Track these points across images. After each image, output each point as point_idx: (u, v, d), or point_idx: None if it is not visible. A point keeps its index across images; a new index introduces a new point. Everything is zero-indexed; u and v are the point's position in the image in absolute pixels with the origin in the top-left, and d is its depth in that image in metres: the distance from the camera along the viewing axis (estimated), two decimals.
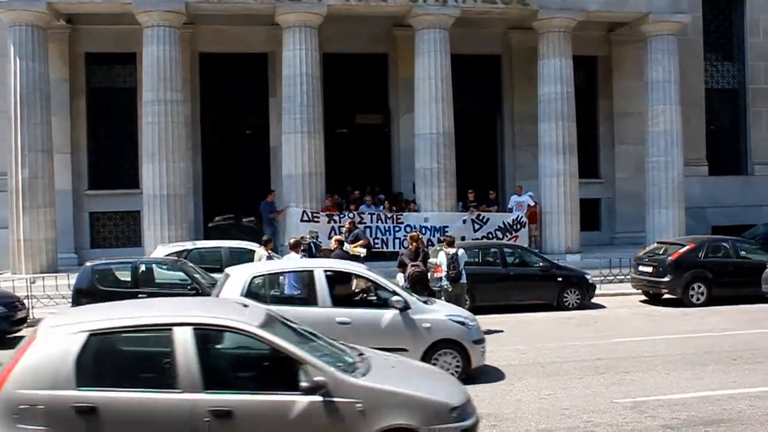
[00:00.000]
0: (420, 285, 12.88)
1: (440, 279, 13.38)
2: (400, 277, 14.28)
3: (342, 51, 21.40)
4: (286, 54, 18.97)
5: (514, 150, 22.79)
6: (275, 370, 6.02)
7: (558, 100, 20.18)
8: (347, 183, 20.92)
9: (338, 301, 9.86)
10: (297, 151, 18.78)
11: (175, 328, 5.80)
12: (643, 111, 21.46)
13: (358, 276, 10.61)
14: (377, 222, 18.82)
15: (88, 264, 13.61)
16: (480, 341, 9.96)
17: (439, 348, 9.64)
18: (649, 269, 16.61)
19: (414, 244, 13.82)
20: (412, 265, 13.01)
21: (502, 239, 18.90)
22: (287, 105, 18.98)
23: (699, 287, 16.08)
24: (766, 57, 24.54)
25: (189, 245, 15.95)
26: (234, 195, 21.62)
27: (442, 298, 13.58)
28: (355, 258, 14.68)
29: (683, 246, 16.69)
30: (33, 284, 15.66)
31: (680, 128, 20.96)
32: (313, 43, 18.99)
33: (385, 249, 18.62)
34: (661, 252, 16.97)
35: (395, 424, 5.83)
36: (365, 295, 10.59)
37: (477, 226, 19.31)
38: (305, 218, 18.28)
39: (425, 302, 10.34)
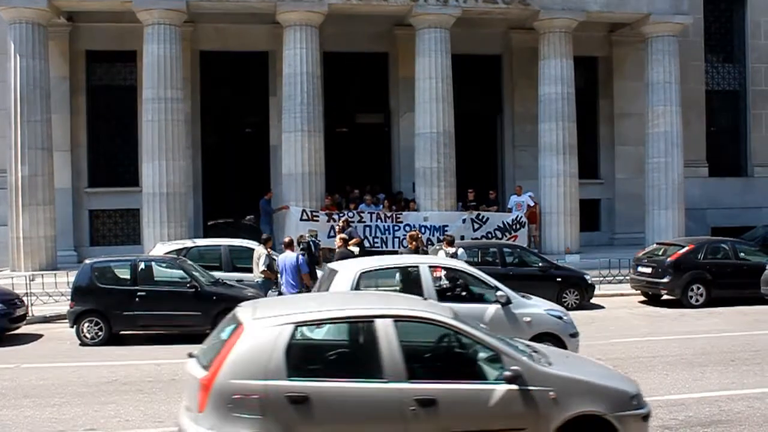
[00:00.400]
0: None
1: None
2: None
3: (343, 50, 21.41)
4: (287, 53, 18.98)
5: (514, 150, 22.81)
6: (471, 359, 6.22)
7: (558, 101, 20.19)
8: (347, 182, 20.93)
9: (442, 295, 10.00)
10: (297, 149, 18.79)
11: (376, 320, 5.95)
12: (643, 112, 21.47)
13: (461, 271, 10.77)
14: (377, 221, 18.82)
15: (87, 262, 13.60)
16: (575, 335, 10.15)
17: (538, 341, 9.69)
18: (649, 270, 16.61)
19: (413, 243, 13.83)
20: None
21: (501, 239, 18.91)
22: (287, 104, 18.99)
23: (698, 288, 16.09)
24: (766, 59, 24.55)
25: (188, 243, 15.98)
26: (233, 194, 21.62)
27: None
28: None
29: (683, 247, 16.70)
30: (32, 282, 15.72)
31: (680, 129, 20.97)
32: (314, 42, 19.00)
33: (384, 248, 18.63)
34: (660, 253, 16.97)
35: (584, 411, 6.00)
36: (465, 289, 10.68)
37: (476, 226, 19.31)
38: (305, 217, 18.28)
39: (523, 296, 10.56)
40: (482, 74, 22.82)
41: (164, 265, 13.77)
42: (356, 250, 15.26)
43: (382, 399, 5.74)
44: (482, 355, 6.17)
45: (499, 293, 10.02)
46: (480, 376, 6.06)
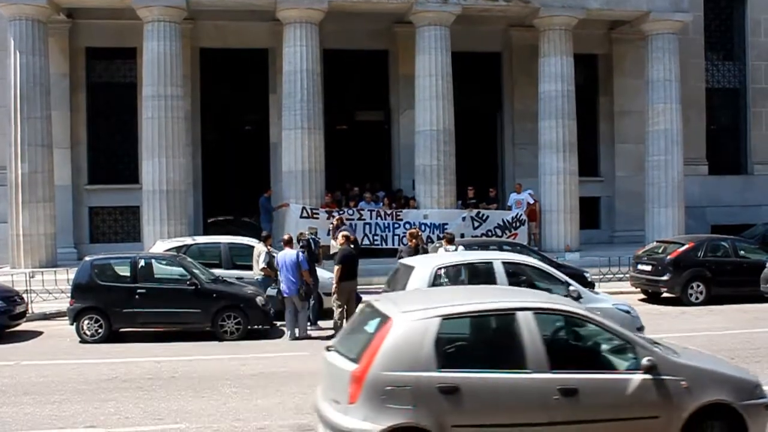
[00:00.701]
0: None
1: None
2: None
3: (343, 47, 21.38)
4: (287, 50, 18.96)
5: (514, 148, 22.78)
6: (605, 350, 6.46)
7: (558, 98, 20.17)
8: (347, 180, 20.91)
9: None
10: (297, 147, 18.77)
11: (518, 313, 6.21)
12: (643, 110, 21.46)
13: (532, 267, 11.00)
14: (376, 219, 18.82)
15: (87, 259, 13.59)
16: (641, 328, 10.27)
17: None
18: (649, 268, 16.63)
19: (413, 240, 13.81)
20: None
21: (501, 237, 18.92)
22: (287, 101, 18.97)
23: (698, 286, 16.11)
24: (766, 57, 24.53)
25: (188, 240, 15.97)
26: (234, 191, 21.61)
27: None
28: None
29: (682, 245, 16.70)
30: (32, 279, 15.70)
31: (680, 127, 20.95)
32: (314, 40, 18.98)
33: (384, 246, 18.65)
34: (660, 251, 16.98)
35: (714, 400, 6.24)
36: (531, 285, 10.79)
37: (476, 224, 19.31)
38: (305, 214, 18.27)
39: (591, 291, 10.84)
40: (482, 72, 22.80)
41: (164, 262, 13.77)
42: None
43: (527, 389, 5.96)
44: (616, 345, 6.39)
45: (571, 288, 10.22)
46: (613, 366, 6.30)
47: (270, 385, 9.69)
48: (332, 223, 17.08)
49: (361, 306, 7.07)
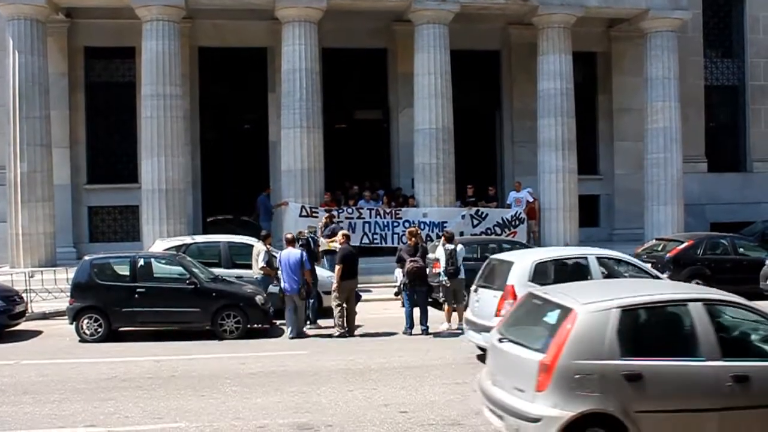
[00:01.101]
0: (419, 280, 12.92)
1: (439, 274, 13.40)
2: (399, 273, 14.30)
3: (341, 46, 21.37)
4: (286, 49, 18.95)
5: (513, 146, 22.78)
6: (764, 338, 6.70)
7: (557, 96, 20.17)
8: (346, 178, 20.91)
9: None
10: (296, 146, 18.77)
11: (689, 304, 6.53)
12: (642, 107, 21.46)
13: (625, 262, 11.71)
14: (376, 217, 18.83)
15: (86, 258, 13.59)
16: None
17: None
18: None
19: (413, 239, 13.81)
20: (411, 261, 13.01)
21: (500, 235, 18.94)
22: (286, 100, 18.97)
23: (698, 284, 16.05)
24: (765, 54, 24.53)
25: (188, 240, 15.97)
26: (233, 190, 21.60)
27: (441, 293, 13.63)
28: (332, 252, 14.76)
29: (682, 243, 16.71)
30: (32, 278, 15.68)
31: (679, 125, 20.96)
32: (313, 38, 18.97)
33: (383, 244, 18.67)
34: (659, 249, 16.99)
35: None
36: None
37: (476, 222, 19.32)
38: (304, 213, 18.28)
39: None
40: (481, 70, 22.79)
41: (163, 261, 13.76)
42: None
43: (703, 376, 6.20)
44: None
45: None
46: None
47: (269, 383, 9.69)
48: (321, 221, 17.06)
49: (525, 298, 7.37)
